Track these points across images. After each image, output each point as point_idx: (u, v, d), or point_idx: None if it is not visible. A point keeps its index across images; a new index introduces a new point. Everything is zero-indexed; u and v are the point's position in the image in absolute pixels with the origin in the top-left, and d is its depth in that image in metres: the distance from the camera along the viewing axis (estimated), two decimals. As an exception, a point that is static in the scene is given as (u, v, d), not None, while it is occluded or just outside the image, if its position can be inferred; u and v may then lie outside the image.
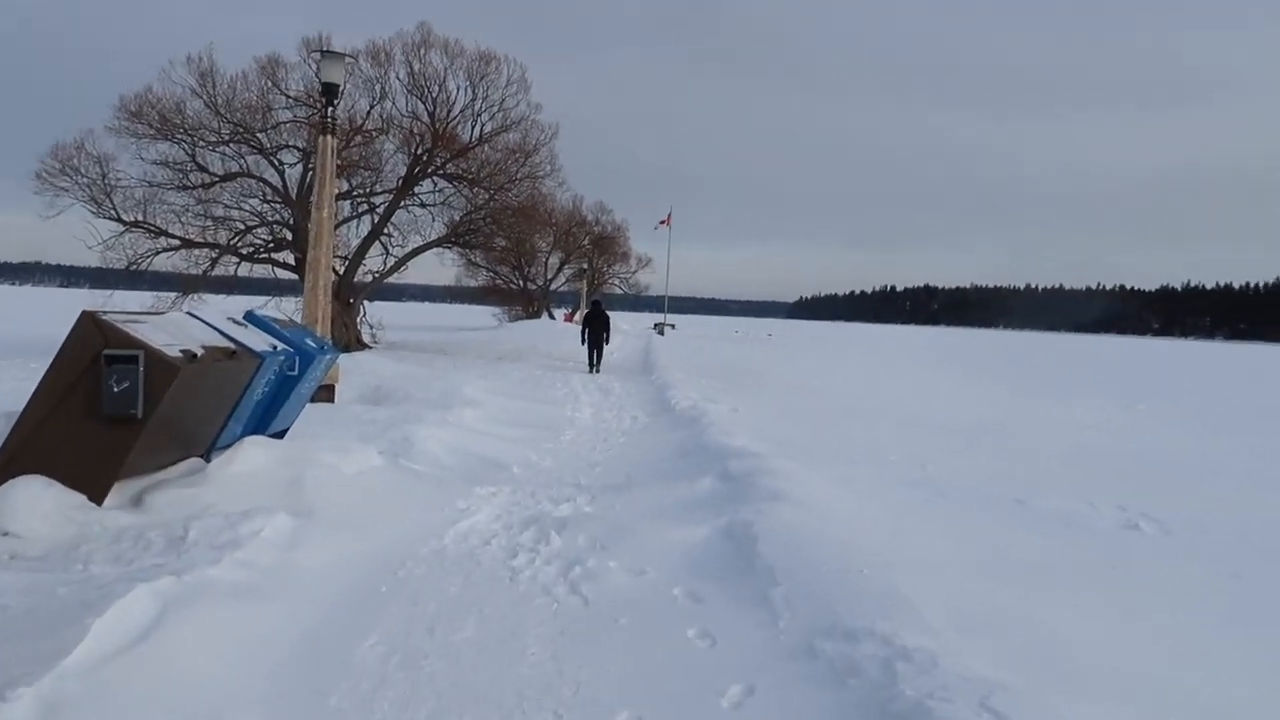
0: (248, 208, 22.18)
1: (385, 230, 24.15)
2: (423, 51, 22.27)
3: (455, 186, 24.02)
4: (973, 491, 8.01)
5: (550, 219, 29.57)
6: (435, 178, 23.98)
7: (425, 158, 23.24)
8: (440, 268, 73.84)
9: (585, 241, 56.44)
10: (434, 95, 22.62)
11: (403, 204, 24.10)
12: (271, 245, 22.79)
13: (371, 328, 26.63)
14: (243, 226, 22.14)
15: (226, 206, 22.11)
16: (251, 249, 22.84)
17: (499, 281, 58.67)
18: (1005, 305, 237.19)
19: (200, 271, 22.02)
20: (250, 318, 6.94)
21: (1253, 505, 8.44)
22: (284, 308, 25.12)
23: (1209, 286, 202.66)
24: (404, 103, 22.85)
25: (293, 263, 22.92)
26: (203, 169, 21.28)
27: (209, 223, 21.87)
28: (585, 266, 58.06)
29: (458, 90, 22.81)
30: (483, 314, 60.32)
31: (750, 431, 10.29)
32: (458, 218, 24.64)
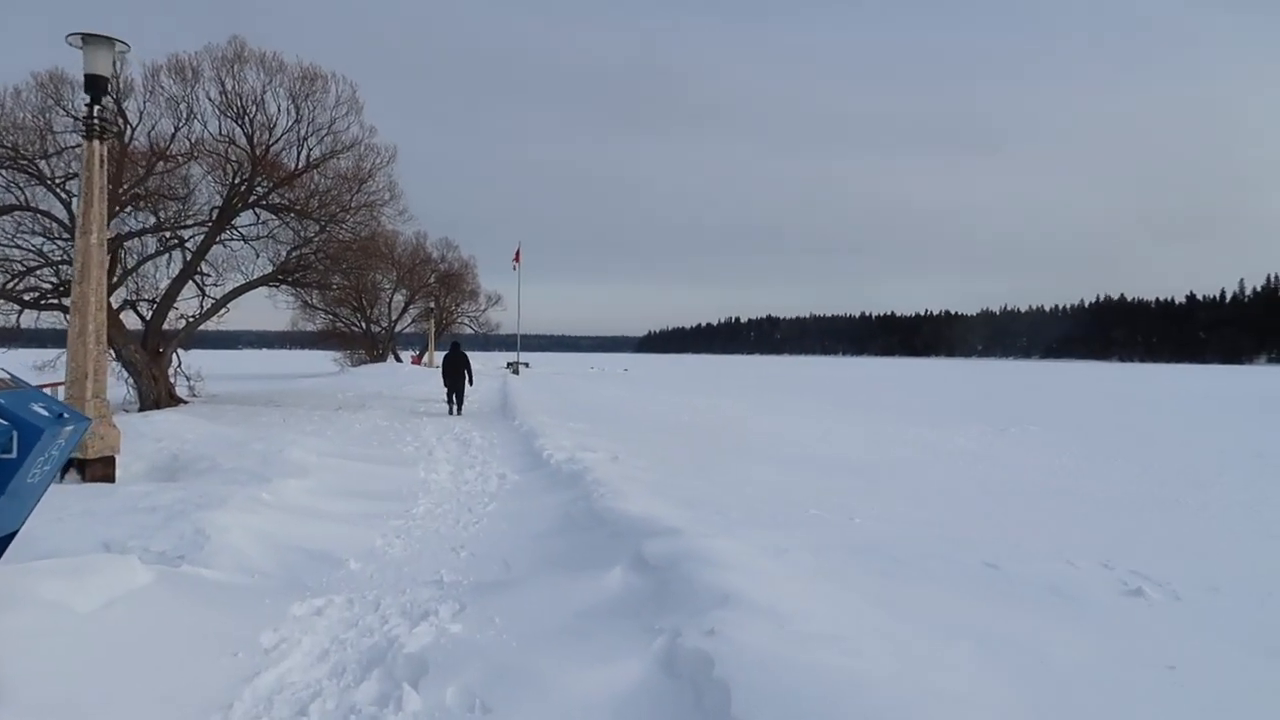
0: (28, 246, 18.87)
1: (199, 269, 21.20)
2: (236, 67, 19.71)
3: (281, 218, 21.40)
4: (930, 556, 6.57)
5: (392, 254, 27.18)
6: (257, 209, 21.28)
7: (244, 186, 20.56)
8: (274, 311, 68.99)
9: (431, 279, 53.69)
10: (251, 116, 20.05)
11: (220, 239, 21.26)
12: (60, 289, 19.47)
13: (189, 379, 23.44)
14: (22, 268, 18.79)
15: (1, 245, 18.72)
16: (35, 294, 19.46)
17: (340, 324, 55.12)
18: (842, 333, 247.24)
19: (-28, 322, 18.53)
20: (-65, 377, 4.69)
21: (1227, 550, 7.41)
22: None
23: (1022, 309, 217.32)
24: (216, 125, 20.17)
25: (86, 308, 19.65)
26: (-34, 202, 17.93)
27: (-22, 265, 18.44)
28: (432, 305, 55.19)
29: (279, 111, 20.34)
30: (324, 359, 56.38)
31: (644, 487, 8.59)
32: (285, 253, 21.98)
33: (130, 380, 20.52)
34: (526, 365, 53.05)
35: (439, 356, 51.96)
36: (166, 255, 21.54)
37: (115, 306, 20.39)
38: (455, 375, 20.48)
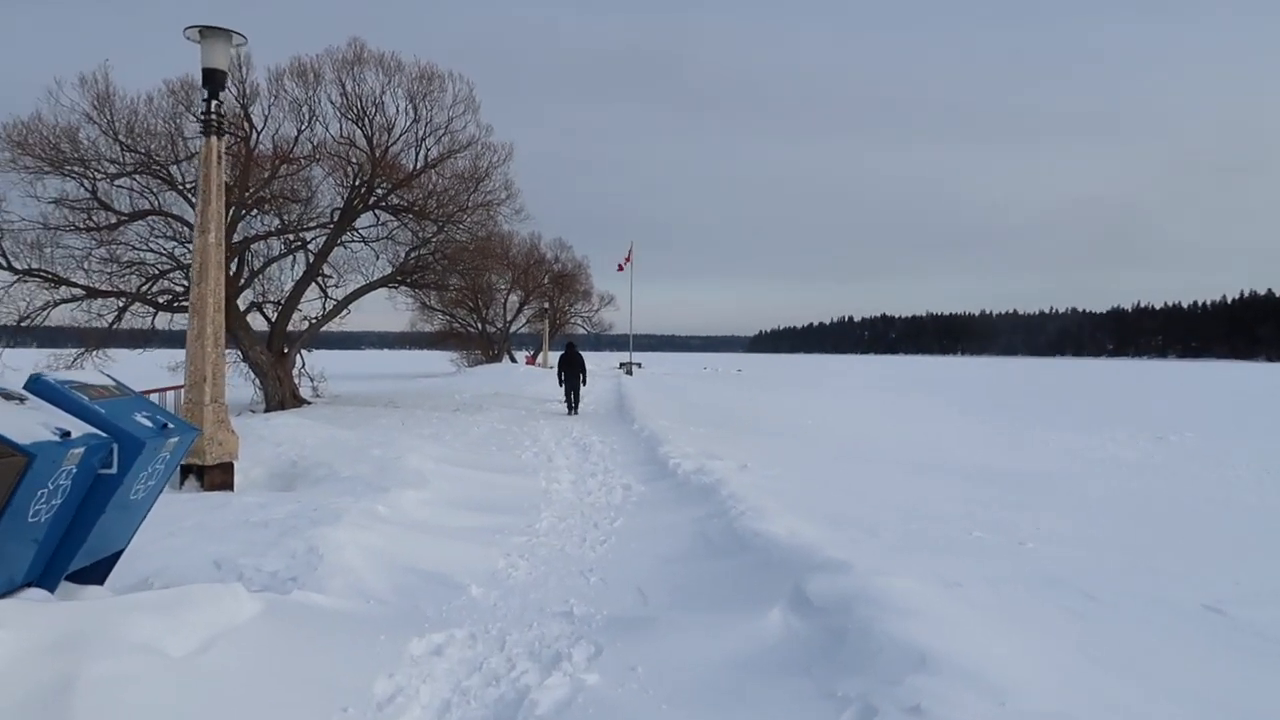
0: (161, 250, 19.38)
1: (321, 270, 21.44)
2: (356, 69, 19.79)
3: (400, 219, 21.43)
4: (1130, 594, 5.57)
5: (507, 255, 27.11)
6: (376, 210, 21.37)
7: (364, 188, 20.65)
8: (394, 312, 70.79)
9: (545, 280, 53.94)
10: (371, 118, 20.12)
11: (341, 241, 21.45)
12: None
13: (313, 380, 23.81)
14: (156, 271, 19.31)
15: (136, 249, 19.28)
16: (169, 296, 19.99)
17: (456, 325, 55.96)
18: (961, 332, 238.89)
19: (107, 324, 19.13)
20: (37, 384, 4.32)
21: None
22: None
23: (1158, 306, 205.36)
24: (337, 127, 20.32)
25: (215, 310, 20.07)
26: (106, 207, 18.47)
27: (116, 268, 19.01)
28: (546, 306, 55.47)
29: (397, 112, 20.34)
30: (440, 360, 57.40)
31: (784, 503, 7.79)
32: (404, 254, 22.03)
33: (256, 381, 20.90)
34: (639, 365, 52.70)
35: (553, 357, 52.20)
36: (290, 257, 21.88)
37: (242, 309, 20.82)
38: (572, 375, 20.79)
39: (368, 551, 5.81)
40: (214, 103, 8.56)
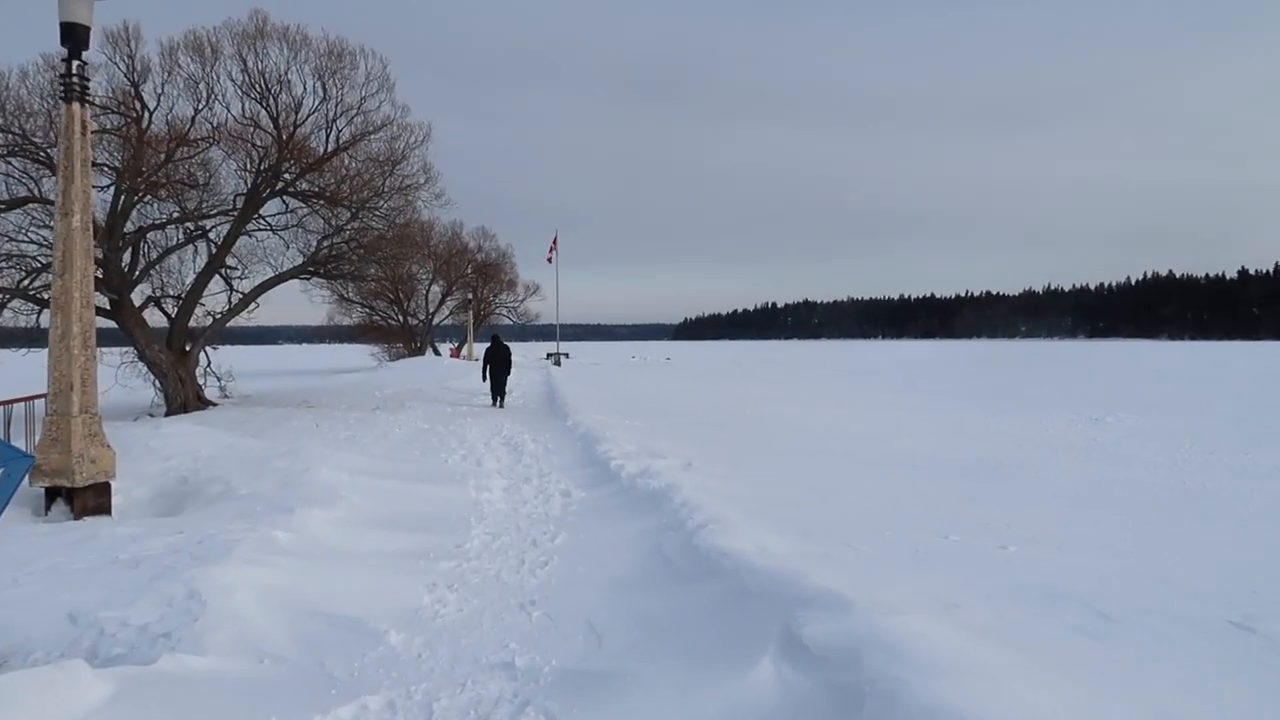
0: (42, 240, 17.64)
1: (225, 262, 19.93)
2: (258, 44, 18.31)
3: (310, 206, 20.03)
4: (1145, 610, 4.92)
5: (428, 244, 25.78)
6: (285, 196, 19.94)
7: (270, 173, 19.21)
8: (310, 306, 68.40)
9: (468, 270, 52.37)
10: (276, 96, 18.67)
11: (246, 229, 19.96)
12: (79, 286, 18.27)
13: (219, 379, 22.24)
14: (38, 264, 17.59)
15: (13, 240, 17.53)
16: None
17: (376, 318, 54.07)
18: (882, 316, 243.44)
19: (-18, 323, 17.41)
20: None
21: None
22: (107, 361, 20.65)
23: (1067, 288, 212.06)
24: (239, 106, 18.82)
25: (108, 307, 18.46)
26: (-22, 194, 16.75)
27: (-10, 261, 17.27)
28: (470, 297, 53.91)
29: (305, 90, 18.92)
30: (362, 354, 55.42)
31: (742, 510, 7.01)
32: (316, 243, 20.62)
33: (156, 383, 19.34)
34: (567, 355, 51.65)
35: (479, 349, 50.77)
36: (191, 248, 20.30)
37: (137, 304, 19.22)
38: (498, 368, 20.53)
39: (263, 593, 4.81)
40: (75, 63, 7.34)
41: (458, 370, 35.14)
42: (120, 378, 20.03)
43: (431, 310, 55.02)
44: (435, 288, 53.51)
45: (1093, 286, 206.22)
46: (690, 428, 15.88)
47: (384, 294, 50.81)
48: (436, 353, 54.99)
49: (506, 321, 60.18)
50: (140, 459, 8.66)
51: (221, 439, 9.77)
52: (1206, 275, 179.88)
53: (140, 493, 7.71)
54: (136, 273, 18.70)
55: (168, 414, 18.66)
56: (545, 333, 75.31)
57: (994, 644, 4.01)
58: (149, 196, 18.23)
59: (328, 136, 19.51)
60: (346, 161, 19.66)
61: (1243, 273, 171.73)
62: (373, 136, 19.42)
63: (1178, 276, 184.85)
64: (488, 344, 21.54)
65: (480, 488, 8.81)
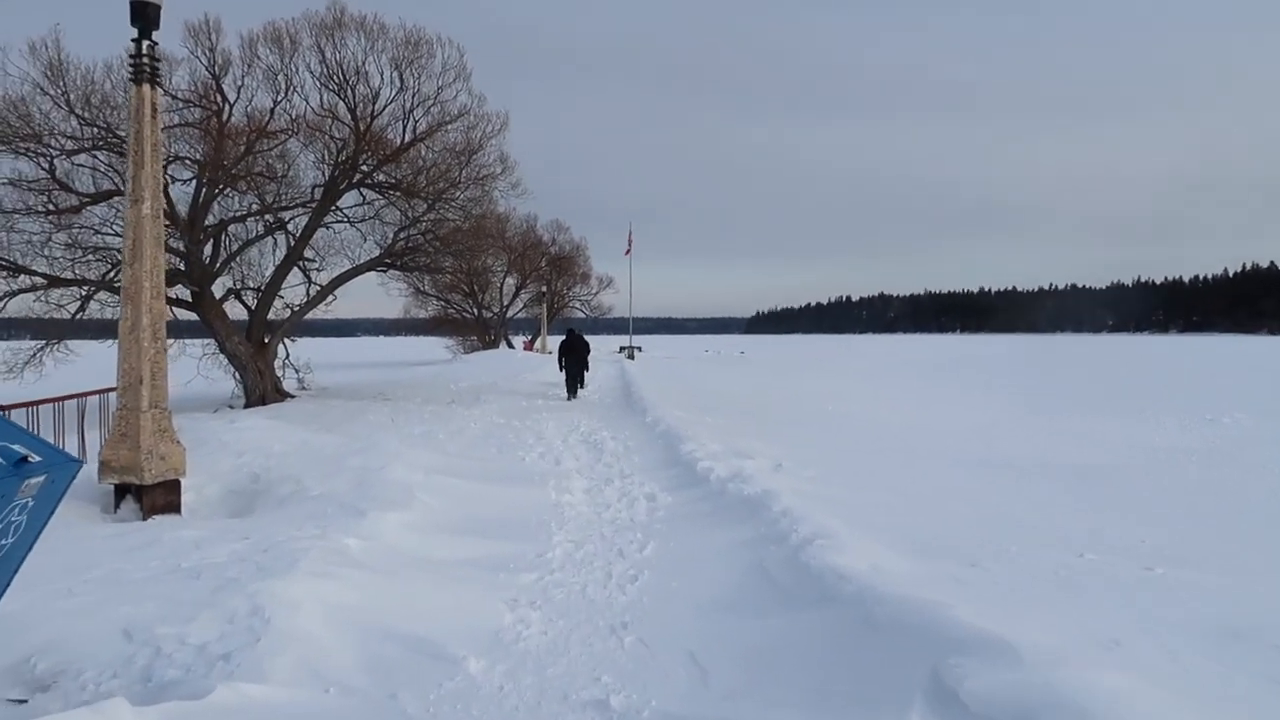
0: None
1: (303, 254, 19.91)
2: (336, 34, 18.18)
3: (387, 197, 19.87)
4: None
5: (503, 236, 25.56)
6: (362, 188, 19.82)
7: (348, 164, 19.10)
8: (386, 299, 69.21)
9: (543, 263, 52.28)
10: (353, 87, 18.53)
11: (324, 221, 19.90)
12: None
13: (298, 372, 22.33)
14: (121, 257, 17.74)
15: (100, 233, 17.74)
16: (139, 284, 18.45)
17: (451, 310, 54.40)
18: (960, 309, 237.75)
19: (69, 314, 17.62)
20: None
21: None
22: (189, 353, 20.88)
23: (1158, 281, 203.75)
24: (317, 98, 18.74)
25: (190, 299, 18.60)
26: (65, 188, 16.92)
27: (79, 253, 17.48)
28: (544, 290, 53.85)
29: (382, 81, 18.73)
30: (436, 346, 55.83)
31: (845, 519, 6.37)
32: (392, 235, 20.47)
33: (236, 375, 19.43)
34: (640, 349, 51.25)
35: (552, 341, 50.69)
36: (270, 240, 20.33)
37: (219, 296, 19.33)
38: (575, 362, 20.53)
39: (331, 611, 4.37)
40: (144, 43, 7.05)
41: (531, 363, 34.98)
42: (202, 369, 20.21)
43: (506, 303, 55.15)
44: (510, 280, 53.60)
45: (1186, 279, 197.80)
46: (773, 425, 15.21)
47: (459, 287, 51.05)
48: (510, 346, 55.13)
49: (580, 314, 60.04)
50: (213, 454, 8.40)
51: (296, 434, 9.50)
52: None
53: (211, 490, 7.42)
54: (217, 265, 18.76)
55: (247, 406, 18.72)
56: (617, 326, 75.11)
57: (1182, 701, 3.33)
58: (229, 189, 18.26)
59: (404, 127, 19.32)
60: (423, 152, 19.44)
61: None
62: (449, 126, 19.16)
63: (1279, 267, 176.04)
64: (563, 337, 21.49)
65: (560, 489, 8.32)
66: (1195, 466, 11.75)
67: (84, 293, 17.30)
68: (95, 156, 16.88)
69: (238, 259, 20.18)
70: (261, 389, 18.87)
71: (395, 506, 6.54)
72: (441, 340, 55.20)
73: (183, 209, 18.34)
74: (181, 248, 17.82)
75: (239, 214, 18.83)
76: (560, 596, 5.22)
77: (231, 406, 18.66)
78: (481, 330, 53.92)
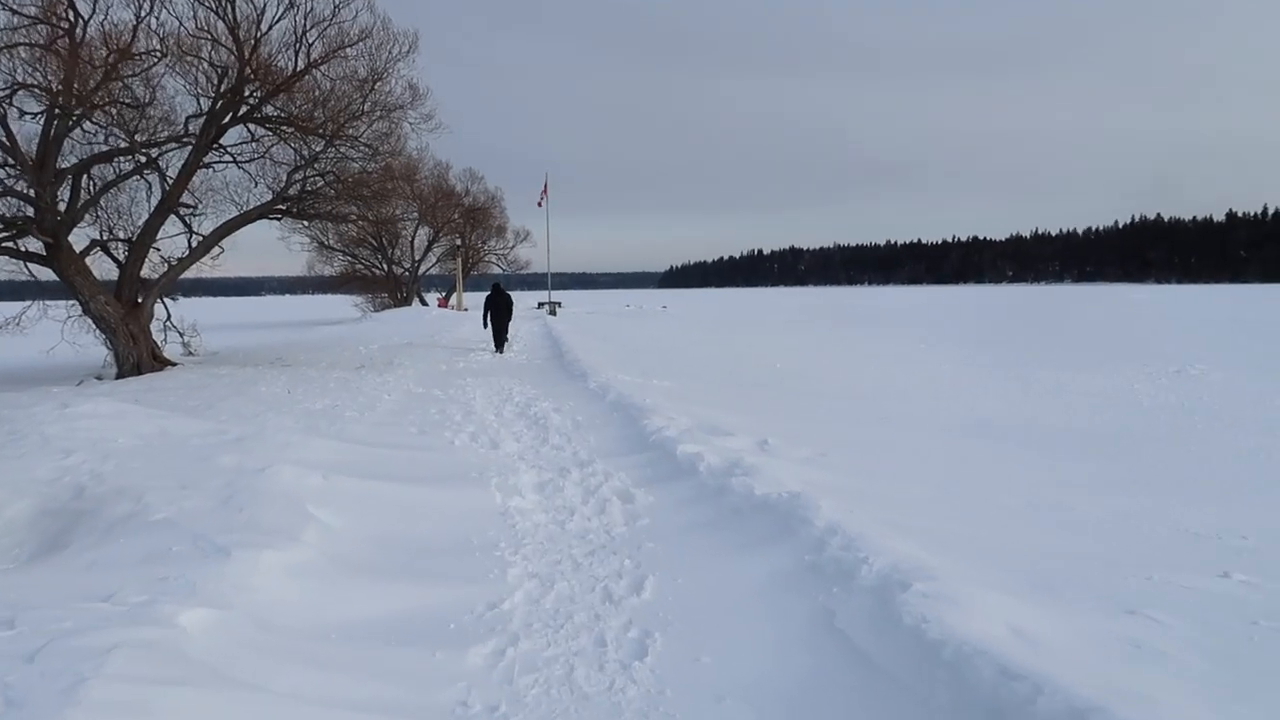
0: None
1: (182, 200, 17.19)
2: (210, -64, 15.40)
3: (278, 134, 17.25)
4: None
5: (412, 181, 22.96)
6: (249, 123, 17.16)
7: (231, 94, 16.42)
8: (288, 254, 65.05)
9: (456, 215, 49.30)
10: (233, 3, 15.80)
11: (205, 161, 17.20)
12: (7, 229, 15.52)
13: (182, 335, 19.61)
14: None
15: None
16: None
17: (359, 266, 51.13)
18: (868, 262, 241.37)
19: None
20: None
21: None
22: (52, 316, 18.00)
23: (1054, 233, 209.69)
24: (190, 16, 15.94)
25: (42, 252, 15.79)
26: None
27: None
28: (458, 243, 50.89)
29: (268, -4, 16.05)
30: (345, 304, 52.51)
31: (909, 530, 4.66)
32: (285, 178, 17.84)
33: (106, 340, 16.72)
34: (560, 305, 49.04)
35: (468, 298, 48.03)
36: (144, 186, 17.52)
37: (80, 249, 16.52)
38: (500, 317, 20.72)
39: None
40: None
41: (448, 321, 32.56)
42: (67, 335, 17.43)
43: (417, 258, 52.10)
44: (421, 234, 50.55)
45: (1080, 231, 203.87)
46: (733, 390, 13.48)
47: (367, 240, 47.91)
48: (424, 303, 52.21)
49: (496, 269, 57.27)
50: (29, 455, 6.17)
51: (151, 421, 7.26)
52: (1194, 218, 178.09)
53: (15, 511, 5.25)
54: (74, 212, 15.94)
55: (119, 376, 16.10)
56: (530, 281, 72.47)
57: None
58: (86, 122, 15.43)
59: (297, 53, 16.70)
60: (319, 81, 16.88)
61: (1230, 215, 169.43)
62: (349, 51, 16.61)
63: (1165, 220, 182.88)
64: (487, 293, 21.29)
65: (505, 488, 6.36)
66: (1207, 428, 10.51)
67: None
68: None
69: (103, 206, 17.35)
70: (135, 356, 16.24)
71: (276, 536, 4.50)
72: (350, 298, 51.96)
73: (30, 147, 15.45)
74: (29, 192, 14.99)
75: (101, 151, 15.99)
76: (536, 695, 3.32)
77: (99, 378, 16.00)
78: (393, 287, 50.86)
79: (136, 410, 7.80)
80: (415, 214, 41.60)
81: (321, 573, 4.31)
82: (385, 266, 50.89)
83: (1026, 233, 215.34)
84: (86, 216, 17.49)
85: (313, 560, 4.39)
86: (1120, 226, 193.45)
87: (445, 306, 47.61)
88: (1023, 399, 13.42)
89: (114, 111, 15.48)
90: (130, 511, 4.91)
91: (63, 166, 15.67)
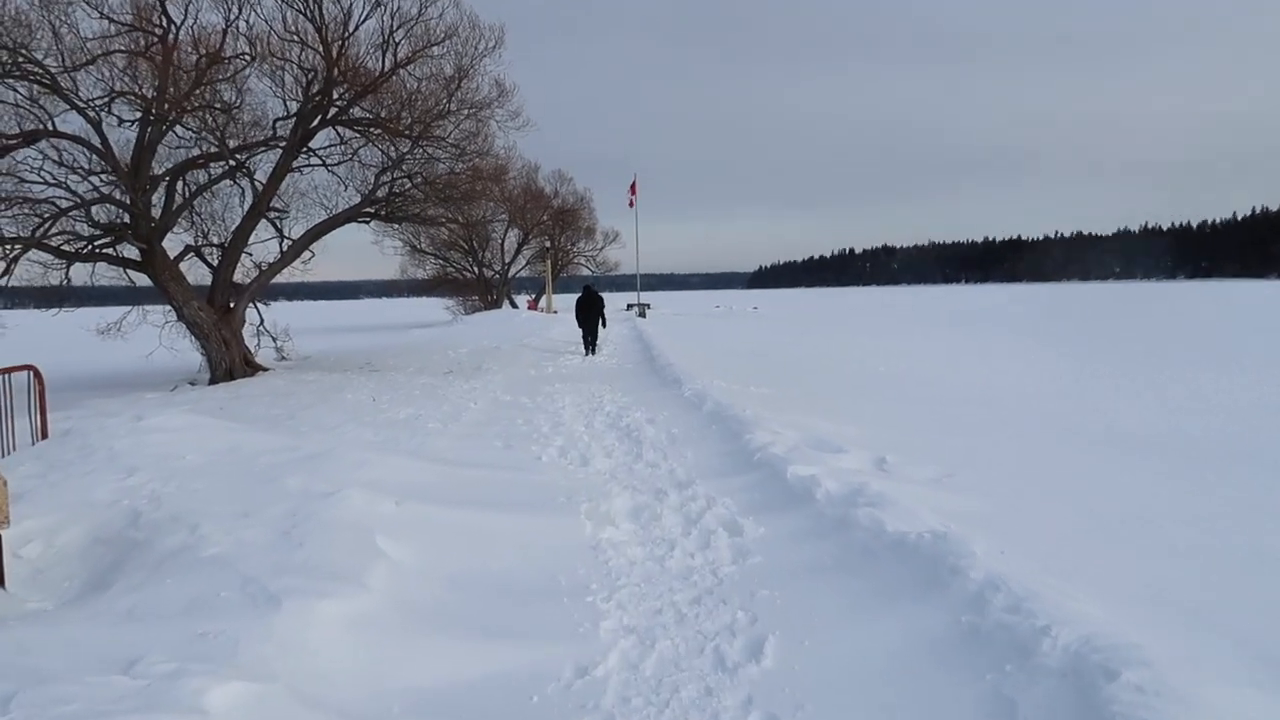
0: (53, 180, 14.99)
1: (272, 204, 17.14)
2: (298, -63, 15.23)
3: (366, 135, 17.04)
4: None
5: (501, 181, 22.61)
6: (337, 125, 16.99)
7: (320, 96, 16.27)
8: (381, 258, 66.14)
9: (545, 217, 49.19)
10: (321, 4, 15.61)
11: (295, 165, 17.12)
12: (105, 236, 15.67)
13: (275, 340, 19.66)
14: (53, 209, 14.99)
15: (25, 181, 14.93)
16: (81, 242, 15.76)
17: (451, 270, 51.50)
18: (964, 260, 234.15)
19: (-4, 279, 14.89)
20: None
21: None
22: (151, 321, 18.24)
23: (1165, 227, 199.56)
24: (280, 18, 15.82)
25: (138, 258, 15.90)
26: (-21, 127, 14.14)
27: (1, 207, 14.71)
28: (548, 245, 50.78)
29: (355, -6, 15.80)
30: (436, 308, 53.02)
31: (1089, 583, 3.79)
32: (373, 180, 17.61)
33: (200, 345, 16.77)
34: (649, 306, 48.45)
35: (557, 300, 47.88)
36: (236, 191, 17.53)
37: (174, 254, 16.62)
38: (590, 319, 20.63)
39: None
40: None
41: (537, 324, 32.30)
42: (165, 340, 17.60)
43: (507, 260, 52.24)
44: (511, 236, 50.64)
45: (1194, 224, 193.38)
46: (835, 396, 12.57)
47: (457, 244, 48.21)
48: (514, 305, 52.34)
49: (585, 271, 57.02)
50: (95, 472, 5.78)
51: (222, 436, 6.84)
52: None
53: (69, 538, 4.82)
54: (167, 217, 16.01)
55: (212, 381, 16.12)
56: (619, 283, 72.07)
57: None
58: (179, 127, 15.46)
59: (384, 54, 16.45)
60: (406, 81, 16.58)
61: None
62: (435, 49, 16.25)
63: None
64: (579, 295, 21.08)
65: (596, 516, 5.69)
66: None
67: (8, 253, 14.53)
68: (12, 88, 14.05)
69: (195, 211, 17.44)
70: (228, 361, 16.23)
71: (336, 580, 3.91)
72: (442, 301, 52.41)
73: (124, 154, 15.57)
74: (128, 200, 15.07)
75: (192, 157, 16.02)
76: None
77: (193, 383, 16.05)
78: (483, 290, 51.07)
79: (209, 424, 7.41)
80: (505, 216, 41.57)
81: (385, 625, 3.69)
82: (476, 269, 51.15)
83: (1135, 226, 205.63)
84: (181, 222, 17.63)
85: (376, 609, 3.78)
86: (1239, 219, 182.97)
87: (535, 309, 47.58)
88: (1159, 405, 12.14)
89: (205, 116, 15.46)
90: (183, 544, 4.40)
91: (156, 173, 15.76)
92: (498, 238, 49.55)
